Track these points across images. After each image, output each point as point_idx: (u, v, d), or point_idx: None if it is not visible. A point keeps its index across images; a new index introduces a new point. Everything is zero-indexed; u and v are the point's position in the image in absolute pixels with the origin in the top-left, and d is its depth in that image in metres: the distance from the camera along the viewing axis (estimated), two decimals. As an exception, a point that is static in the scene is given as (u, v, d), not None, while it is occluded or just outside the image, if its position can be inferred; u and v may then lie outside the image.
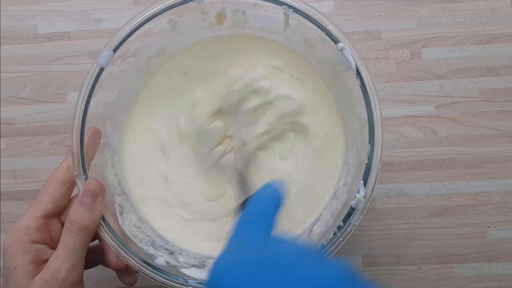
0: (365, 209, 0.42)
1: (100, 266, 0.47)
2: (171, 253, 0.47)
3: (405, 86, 0.57)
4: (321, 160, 0.50)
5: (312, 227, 0.47)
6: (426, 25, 0.58)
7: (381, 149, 0.42)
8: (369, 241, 0.56)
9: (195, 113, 0.51)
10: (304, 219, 0.49)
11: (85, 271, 0.44)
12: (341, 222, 0.42)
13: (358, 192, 0.42)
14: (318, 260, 0.31)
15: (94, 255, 0.45)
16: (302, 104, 0.50)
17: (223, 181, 0.52)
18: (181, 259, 0.46)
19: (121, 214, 0.46)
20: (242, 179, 0.48)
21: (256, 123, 0.51)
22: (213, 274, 0.31)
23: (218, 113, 0.52)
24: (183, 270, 0.44)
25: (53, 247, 0.42)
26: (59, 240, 0.41)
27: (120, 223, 0.45)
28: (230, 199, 0.50)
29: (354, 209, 0.42)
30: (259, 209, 0.37)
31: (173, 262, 0.45)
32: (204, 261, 0.47)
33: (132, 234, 0.45)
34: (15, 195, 0.58)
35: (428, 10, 0.58)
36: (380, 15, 0.58)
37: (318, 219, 0.48)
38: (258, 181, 0.49)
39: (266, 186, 0.40)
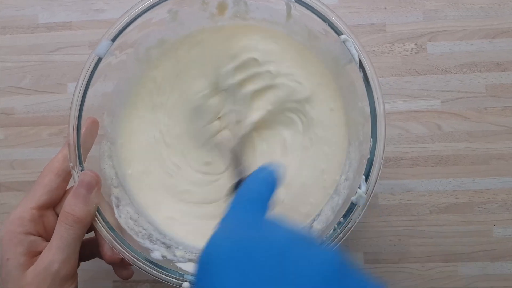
0: (367, 205, 0.41)
1: (96, 259, 0.46)
2: (168, 247, 0.46)
3: (410, 81, 0.56)
4: (322, 153, 0.49)
5: (313, 222, 0.47)
6: (432, 18, 0.57)
7: (384, 144, 0.41)
8: (371, 238, 0.55)
9: (190, 86, 0.51)
10: (305, 215, 0.49)
11: (81, 264, 0.43)
12: (342, 218, 0.41)
13: (359, 187, 0.41)
14: (310, 245, 0.30)
15: (90, 248, 0.45)
16: (308, 90, 0.50)
17: (217, 165, 0.51)
18: (178, 253, 0.45)
19: (117, 206, 0.45)
20: (236, 159, 0.47)
21: (254, 106, 0.51)
22: (205, 252, 0.30)
23: (215, 90, 0.51)
24: (179, 265, 0.43)
25: (47, 239, 0.41)
26: (53, 231, 0.40)
27: (116, 215, 0.44)
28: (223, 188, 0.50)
29: (355, 204, 0.41)
30: (254, 191, 0.36)
31: (169, 256, 0.44)
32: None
33: (128, 227, 0.45)
34: (13, 186, 0.58)
35: (435, 3, 0.57)
36: (385, 8, 0.57)
37: (319, 214, 0.47)
38: (253, 163, 0.48)
39: (262, 168, 0.39)
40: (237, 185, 0.43)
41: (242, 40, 0.50)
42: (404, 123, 0.56)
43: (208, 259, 0.29)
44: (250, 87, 0.51)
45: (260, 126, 0.51)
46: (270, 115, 0.51)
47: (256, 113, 0.51)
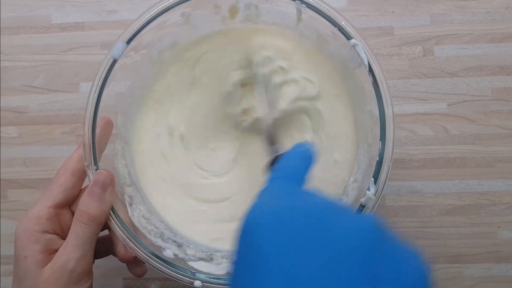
0: (375, 207, 0.42)
1: (107, 256, 0.47)
2: (179, 245, 0.47)
3: (417, 83, 0.57)
4: (331, 155, 0.50)
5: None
6: (439, 22, 0.58)
7: (392, 146, 0.42)
8: (377, 238, 0.55)
9: (223, 73, 0.52)
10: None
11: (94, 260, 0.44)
12: (350, 220, 0.42)
13: (368, 189, 0.42)
14: (348, 212, 0.31)
15: (104, 245, 0.46)
16: (320, 89, 0.50)
17: (229, 163, 0.52)
18: (189, 251, 0.46)
19: (130, 205, 0.46)
20: (271, 138, 0.47)
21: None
22: (248, 220, 0.30)
23: (245, 80, 0.52)
24: (190, 263, 0.44)
25: (64, 237, 0.42)
26: (69, 230, 0.41)
27: (130, 214, 0.45)
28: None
29: (364, 206, 0.42)
30: (291, 165, 0.38)
31: (181, 255, 0.45)
32: (212, 254, 0.47)
33: (141, 225, 0.46)
34: (26, 183, 0.59)
35: (442, 7, 0.58)
36: (393, 11, 0.58)
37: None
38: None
39: (298, 145, 0.40)
40: (273, 162, 0.43)
41: (256, 39, 0.51)
42: (411, 125, 0.57)
43: (251, 226, 0.30)
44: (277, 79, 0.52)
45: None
46: (285, 114, 0.51)
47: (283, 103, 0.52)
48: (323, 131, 0.51)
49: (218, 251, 0.48)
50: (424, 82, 0.57)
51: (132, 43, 0.45)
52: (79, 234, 0.40)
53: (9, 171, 0.59)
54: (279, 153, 0.44)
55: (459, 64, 0.57)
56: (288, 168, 0.37)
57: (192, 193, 0.51)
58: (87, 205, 0.41)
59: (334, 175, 0.50)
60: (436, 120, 0.56)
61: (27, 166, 0.59)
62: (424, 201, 0.56)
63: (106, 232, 0.44)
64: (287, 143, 0.51)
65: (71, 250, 0.40)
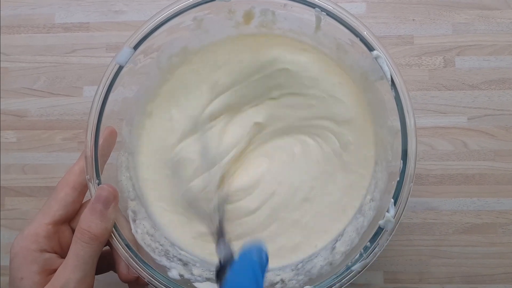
0: (395, 230, 0.40)
1: (110, 271, 0.45)
2: (185, 264, 0.44)
3: (437, 95, 0.54)
4: (347, 171, 0.48)
5: (335, 243, 0.45)
6: (462, 32, 0.55)
7: (414, 167, 0.40)
8: (392, 257, 0.53)
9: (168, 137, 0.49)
10: (326, 232, 0.47)
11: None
12: (368, 243, 0.40)
13: (387, 211, 0.40)
14: None
15: (106, 260, 0.43)
16: (333, 110, 0.48)
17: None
18: (195, 271, 0.44)
19: (134, 220, 0.44)
20: (218, 229, 0.43)
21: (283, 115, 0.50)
22: None
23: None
24: (197, 284, 0.42)
25: (63, 255, 0.40)
26: (69, 248, 0.39)
27: (133, 230, 0.43)
28: None
29: (382, 229, 0.40)
30: (240, 286, 0.33)
31: (187, 275, 0.43)
32: (216, 281, 0.44)
33: (145, 243, 0.43)
34: (24, 191, 0.56)
35: (465, 17, 0.55)
36: (413, 20, 0.55)
37: (342, 235, 0.46)
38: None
39: (245, 255, 0.35)
40: (220, 271, 0.38)
41: (269, 52, 0.48)
42: (429, 139, 0.54)
43: None
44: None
45: (282, 133, 0.50)
46: (294, 127, 0.49)
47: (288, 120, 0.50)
48: (338, 146, 0.48)
49: (226, 271, 0.45)
50: (444, 94, 0.54)
51: (142, 47, 0.43)
52: (80, 254, 0.38)
53: (6, 178, 0.57)
54: (225, 258, 0.39)
55: (481, 77, 0.54)
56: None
57: (199, 207, 0.48)
58: (89, 222, 0.39)
59: (347, 198, 0.47)
60: (456, 135, 0.54)
61: (25, 173, 0.57)
62: (441, 219, 0.54)
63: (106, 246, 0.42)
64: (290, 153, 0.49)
65: (71, 271, 0.37)
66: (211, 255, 0.46)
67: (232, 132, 0.49)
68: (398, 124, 0.41)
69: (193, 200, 0.47)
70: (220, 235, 0.42)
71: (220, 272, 0.38)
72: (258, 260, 0.34)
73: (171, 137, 0.48)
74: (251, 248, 0.35)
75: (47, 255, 0.39)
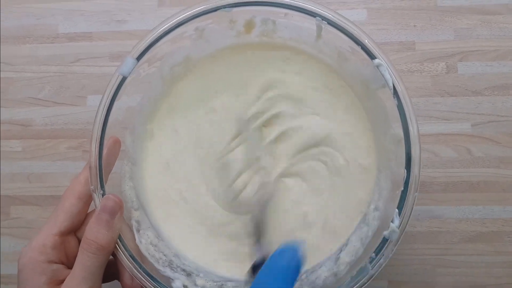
0: (399, 240, 0.39)
1: (113, 282, 0.45)
2: (189, 274, 0.44)
3: (440, 102, 0.54)
4: (350, 181, 0.47)
5: (339, 253, 0.45)
6: (464, 37, 0.55)
7: (418, 177, 0.40)
8: (396, 266, 0.53)
9: (214, 138, 0.49)
10: (329, 243, 0.47)
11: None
12: (373, 254, 0.40)
13: (392, 221, 0.39)
14: None
15: (110, 269, 0.43)
16: (331, 130, 0.48)
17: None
18: (199, 282, 0.44)
19: (138, 231, 0.44)
20: (257, 230, 0.44)
21: (278, 154, 0.49)
22: None
23: (238, 139, 0.49)
24: (200, 295, 0.42)
25: (69, 266, 0.40)
26: (75, 258, 0.39)
27: (137, 241, 0.43)
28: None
29: (387, 239, 0.40)
30: (277, 281, 0.34)
31: (190, 286, 0.43)
32: (222, 284, 0.44)
33: (148, 253, 0.43)
34: (29, 200, 0.57)
35: (466, 22, 0.55)
36: (415, 25, 0.55)
37: (346, 244, 0.45)
38: (277, 227, 0.46)
39: (282, 253, 0.36)
40: (256, 267, 0.40)
41: (266, 71, 0.49)
42: (433, 146, 0.54)
43: None
44: (272, 134, 0.49)
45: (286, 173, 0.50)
46: (298, 161, 0.49)
47: (281, 163, 0.49)
48: (340, 156, 0.48)
49: (229, 281, 0.45)
50: (447, 100, 0.54)
51: (145, 57, 0.43)
52: (87, 264, 0.38)
53: (12, 186, 0.57)
54: (264, 255, 0.40)
55: (484, 82, 0.54)
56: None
57: (204, 219, 0.48)
58: (95, 233, 0.39)
59: (350, 207, 0.47)
60: (459, 141, 0.54)
61: (30, 182, 0.57)
62: (445, 227, 0.53)
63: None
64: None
65: (79, 282, 0.38)
66: (215, 264, 0.47)
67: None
68: (400, 132, 0.41)
69: (238, 196, 0.48)
70: (260, 234, 0.43)
71: (255, 272, 0.39)
72: (285, 264, 0.35)
73: (176, 146, 0.49)
74: (283, 251, 0.36)
75: (55, 266, 0.39)
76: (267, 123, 0.49)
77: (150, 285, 0.40)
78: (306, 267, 0.46)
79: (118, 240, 0.40)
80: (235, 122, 0.48)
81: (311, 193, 0.48)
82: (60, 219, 0.40)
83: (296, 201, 0.48)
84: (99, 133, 0.41)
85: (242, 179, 0.48)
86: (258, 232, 0.43)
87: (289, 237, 0.46)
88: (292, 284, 0.35)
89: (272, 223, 0.46)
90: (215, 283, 0.44)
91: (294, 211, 0.48)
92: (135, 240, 0.43)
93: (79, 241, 0.40)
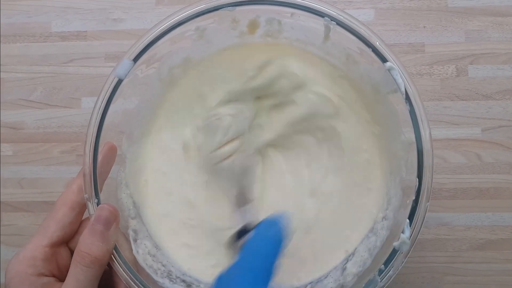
0: (410, 252, 0.38)
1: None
2: (189, 285, 0.42)
3: (449, 106, 0.52)
4: (357, 188, 0.45)
5: (346, 263, 0.43)
6: (475, 39, 0.53)
7: (431, 186, 0.38)
8: (403, 274, 0.51)
9: (205, 100, 0.47)
10: (334, 251, 0.45)
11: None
12: (382, 265, 0.38)
13: (402, 232, 0.37)
14: None
15: (106, 279, 0.40)
16: (338, 106, 0.46)
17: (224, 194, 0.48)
18: (199, 293, 0.42)
19: (135, 240, 0.42)
20: (242, 196, 0.43)
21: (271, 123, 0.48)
22: None
23: (230, 102, 0.47)
24: (201, 308, 0.40)
25: (61, 278, 0.38)
26: (67, 270, 0.37)
27: (134, 251, 0.41)
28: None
29: (397, 251, 0.38)
30: (259, 254, 0.34)
31: (190, 298, 0.41)
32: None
33: (146, 264, 0.41)
34: (21, 206, 0.55)
35: (478, 24, 0.53)
36: (424, 27, 0.53)
37: (353, 254, 0.43)
38: (264, 198, 0.45)
39: (269, 223, 0.36)
40: (240, 234, 0.39)
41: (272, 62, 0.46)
42: (442, 152, 0.52)
43: None
44: (268, 101, 0.48)
45: (285, 145, 0.48)
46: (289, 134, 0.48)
47: (270, 134, 0.48)
48: (345, 160, 0.46)
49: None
50: (456, 104, 0.52)
51: (143, 58, 0.41)
52: (80, 278, 0.36)
53: (3, 192, 0.55)
54: (248, 224, 0.39)
55: (495, 86, 0.52)
56: (254, 260, 0.34)
57: (203, 226, 0.46)
58: (89, 245, 0.36)
59: (357, 216, 0.45)
60: (469, 147, 0.52)
61: (22, 188, 0.55)
62: (454, 235, 0.52)
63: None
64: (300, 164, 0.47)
65: None
66: (213, 274, 0.45)
67: None
68: (412, 137, 0.39)
69: (221, 161, 0.46)
70: (245, 201, 0.42)
71: (238, 239, 0.38)
72: (272, 235, 0.35)
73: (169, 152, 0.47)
74: (270, 222, 0.36)
75: (45, 279, 0.37)
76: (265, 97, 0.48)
77: (148, 299, 0.37)
78: (311, 277, 0.45)
79: (113, 250, 0.38)
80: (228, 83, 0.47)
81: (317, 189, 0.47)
82: (51, 229, 0.38)
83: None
84: (94, 138, 0.39)
85: (227, 148, 0.46)
86: (242, 199, 0.42)
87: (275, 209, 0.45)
88: (275, 258, 0.34)
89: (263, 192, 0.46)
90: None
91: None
92: (131, 250, 0.41)
93: (72, 252, 0.38)
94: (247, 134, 0.47)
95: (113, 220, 0.38)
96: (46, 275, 0.37)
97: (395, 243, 0.38)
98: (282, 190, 0.48)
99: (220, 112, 0.47)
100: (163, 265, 0.43)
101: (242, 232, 0.39)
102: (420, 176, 0.38)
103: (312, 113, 0.46)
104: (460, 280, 0.51)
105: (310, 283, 0.44)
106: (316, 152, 0.48)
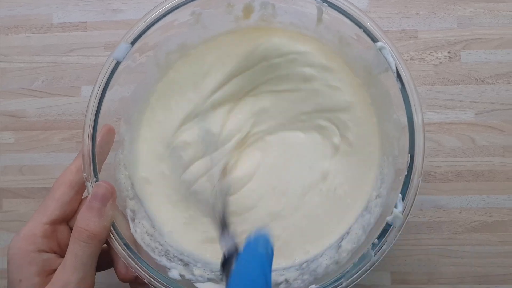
0: (403, 226, 0.38)
1: (110, 271, 0.43)
2: (186, 264, 0.43)
3: (443, 90, 0.53)
4: (351, 167, 0.46)
5: (341, 241, 0.44)
6: (467, 25, 0.54)
7: (423, 159, 0.39)
8: (399, 257, 0.52)
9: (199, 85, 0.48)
10: (330, 231, 0.46)
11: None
12: (376, 240, 0.38)
13: (395, 207, 0.38)
14: None
15: (106, 257, 0.41)
16: (345, 96, 0.47)
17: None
18: (196, 271, 0.42)
19: (133, 220, 0.43)
20: (222, 220, 0.41)
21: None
22: None
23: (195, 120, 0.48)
24: (198, 285, 0.40)
25: (62, 255, 0.39)
26: (67, 247, 0.38)
27: (132, 230, 0.42)
28: None
29: (390, 225, 0.38)
30: (251, 280, 0.33)
31: (187, 275, 0.41)
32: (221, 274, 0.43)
33: (144, 242, 0.42)
34: (21, 193, 0.55)
35: (470, 10, 0.54)
36: (417, 13, 0.54)
37: (348, 233, 0.44)
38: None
39: (251, 247, 0.35)
40: (226, 262, 0.38)
41: (270, 40, 0.47)
42: (436, 135, 0.53)
43: None
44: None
45: (282, 128, 0.49)
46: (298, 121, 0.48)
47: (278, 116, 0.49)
48: (342, 141, 0.47)
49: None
50: (450, 89, 0.53)
51: (137, 44, 0.42)
52: (78, 254, 0.37)
53: (4, 179, 0.56)
54: (230, 249, 0.38)
55: (488, 70, 0.53)
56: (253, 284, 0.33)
57: (201, 206, 0.47)
58: (86, 221, 0.37)
59: (351, 194, 0.46)
60: (463, 130, 0.53)
61: (23, 174, 0.55)
62: (449, 217, 0.52)
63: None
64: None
65: (70, 272, 0.36)
66: (213, 256, 0.45)
67: (233, 119, 0.48)
68: (404, 118, 0.39)
69: (193, 185, 0.46)
70: (223, 226, 0.40)
71: (226, 265, 0.37)
72: (264, 252, 0.34)
73: (170, 132, 0.47)
74: (257, 239, 0.35)
75: (46, 255, 0.38)
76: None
77: (145, 274, 0.38)
78: (306, 257, 0.45)
79: (112, 228, 0.39)
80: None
81: (310, 167, 0.48)
82: (50, 208, 0.39)
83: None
84: (92, 120, 0.40)
85: (194, 169, 0.47)
86: (222, 224, 0.41)
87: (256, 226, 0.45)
88: (271, 268, 0.34)
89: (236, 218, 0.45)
90: (213, 273, 0.43)
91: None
92: (130, 229, 0.42)
93: (72, 230, 0.39)
94: (216, 152, 0.47)
95: (109, 196, 0.39)
96: (47, 252, 0.38)
97: (388, 218, 0.39)
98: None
99: (183, 139, 0.47)
100: (161, 244, 0.44)
101: (227, 260, 0.38)
102: (412, 151, 0.39)
103: (314, 89, 0.47)
104: (457, 262, 0.52)
105: (305, 261, 0.45)
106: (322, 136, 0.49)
